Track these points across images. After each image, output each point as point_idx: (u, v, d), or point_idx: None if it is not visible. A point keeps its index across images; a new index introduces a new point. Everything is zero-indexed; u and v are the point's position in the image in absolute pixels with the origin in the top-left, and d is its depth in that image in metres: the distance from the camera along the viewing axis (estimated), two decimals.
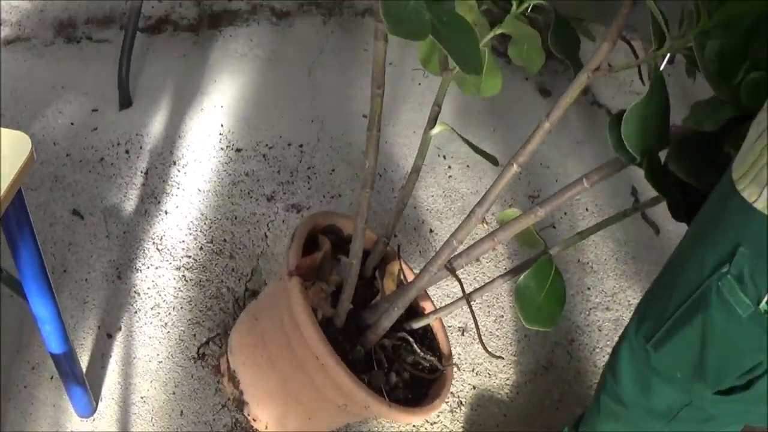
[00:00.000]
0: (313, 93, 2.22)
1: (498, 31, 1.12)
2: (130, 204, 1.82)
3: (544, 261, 1.24)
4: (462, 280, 1.31)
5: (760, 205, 0.81)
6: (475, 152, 1.17)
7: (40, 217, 1.74)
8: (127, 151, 1.94)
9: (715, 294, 0.90)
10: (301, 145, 2.04)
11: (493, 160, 1.20)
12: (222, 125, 2.06)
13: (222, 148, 1.99)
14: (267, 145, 2.02)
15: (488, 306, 1.83)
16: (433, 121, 1.21)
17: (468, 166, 2.13)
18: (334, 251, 1.40)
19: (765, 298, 0.84)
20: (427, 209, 2.00)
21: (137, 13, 2.04)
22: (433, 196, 2.03)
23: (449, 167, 2.11)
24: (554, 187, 2.09)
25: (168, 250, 1.74)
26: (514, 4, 1.12)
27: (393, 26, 0.81)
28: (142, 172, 1.90)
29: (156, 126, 2.02)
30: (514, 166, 1.11)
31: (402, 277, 1.43)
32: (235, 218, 1.84)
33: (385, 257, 1.45)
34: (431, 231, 1.95)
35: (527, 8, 1.12)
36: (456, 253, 1.25)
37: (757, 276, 0.85)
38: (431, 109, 1.21)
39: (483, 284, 1.32)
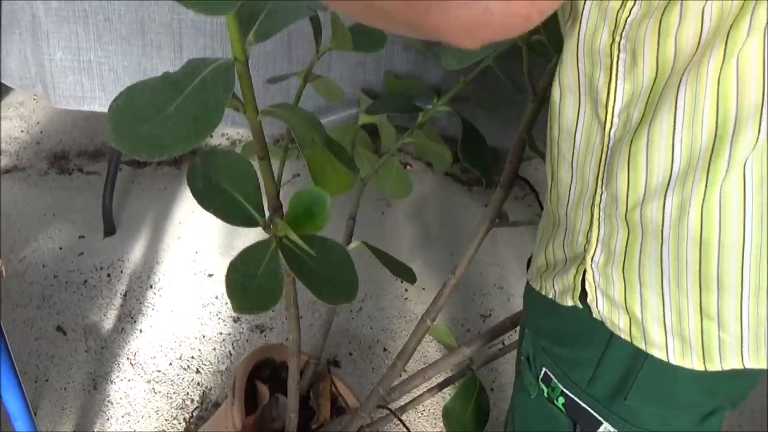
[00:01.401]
0: None
1: (405, 140, 1.36)
2: (108, 322, 2.09)
3: (468, 379, 1.45)
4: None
5: (534, 285, 0.93)
6: (389, 269, 1.26)
7: (27, 332, 2.01)
8: (108, 275, 2.23)
9: (519, 377, 0.99)
10: None
11: (410, 278, 1.30)
12: (197, 252, 2.35)
13: (195, 273, 2.28)
14: None
15: (435, 418, 2.08)
16: (348, 237, 1.40)
17: (424, 288, 2.40)
18: (272, 389, 1.57)
19: (541, 375, 0.93)
20: (382, 329, 2.26)
21: None
22: (388, 317, 2.30)
23: (405, 290, 2.39)
24: (506, 307, 2.36)
25: (141, 364, 2.00)
26: (420, 115, 1.35)
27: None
28: (121, 294, 2.18)
29: (136, 253, 2.32)
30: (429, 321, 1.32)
31: (339, 395, 1.61)
32: (203, 337, 2.10)
33: (320, 376, 1.64)
34: (385, 350, 2.21)
35: (430, 118, 1.36)
36: (393, 385, 1.40)
37: (537, 355, 0.93)
38: (346, 223, 1.41)
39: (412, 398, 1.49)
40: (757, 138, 0.67)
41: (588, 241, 0.81)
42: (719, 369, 0.76)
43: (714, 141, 0.69)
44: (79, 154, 2.73)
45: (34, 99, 2.95)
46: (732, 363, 0.76)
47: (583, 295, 0.82)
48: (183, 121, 0.82)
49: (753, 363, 0.76)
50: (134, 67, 1.84)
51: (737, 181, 0.69)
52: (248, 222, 1.00)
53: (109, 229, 2.36)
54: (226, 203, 1.00)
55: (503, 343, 1.43)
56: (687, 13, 0.63)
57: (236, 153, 1.03)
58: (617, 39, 0.70)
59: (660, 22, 0.66)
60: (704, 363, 0.76)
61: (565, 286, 0.85)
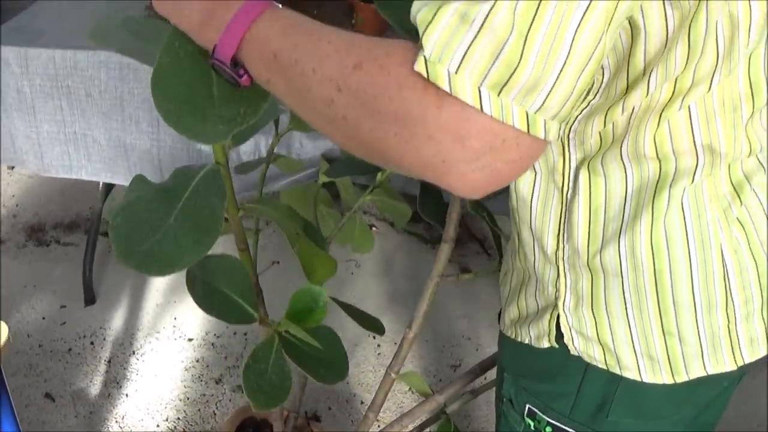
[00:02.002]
0: None
1: (365, 198, 1.48)
2: (95, 388, 2.19)
3: (444, 422, 1.56)
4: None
5: (509, 334, 1.04)
6: (358, 322, 1.39)
7: (16, 400, 2.10)
8: (92, 343, 2.33)
9: (502, 418, 1.09)
10: (245, 333, 2.44)
11: (378, 329, 1.42)
12: (175, 318, 2.47)
13: (175, 339, 2.39)
14: (215, 334, 2.42)
15: None
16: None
17: (395, 343, 2.53)
18: None
19: (526, 411, 1.02)
20: (359, 383, 2.38)
21: (98, 218, 2.48)
22: (363, 371, 2.42)
23: (378, 345, 2.52)
24: (475, 356, 2.48)
25: (129, 427, 2.10)
26: (379, 174, 1.48)
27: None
28: (105, 360, 2.28)
29: (117, 320, 2.43)
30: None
31: None
32: (188, 399, 2.21)
33: (300, 429, 1.75)
34: (362, 403, 2.33)
35: (389, 176, 1.48)
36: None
37: (519, 394, 1.03)
38: None
39: None
40: (693, 179, 0.82)
41: (557, 289, 0.93)
42: (686, 379, 0.89)
43: (657, 183, 0.82)
44: (55, 226, 2.84)
45: (8, 172, 3.07)
46: (696, 372, 0.89)
47: (559, 335, 0.93)
48: (184, 234, 0.88)
49: (714, 369, 0.89)
50: (115, 140, 1.97)
51: (677, 214, 0.83)
52: (246, 319, 1.09)
53: (90, 299, 2.47)
54: (225, 304, 1.08)
55: (474, 389, 1.56)
56: (627, 105, 0.78)
57: (230, 256, 1.12)
58: (567, 129, 0.84)
59: (606, 115, 0.80)
60: (672, 377, 0.89)
61: (540, 331, 0.96)
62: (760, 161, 0.87)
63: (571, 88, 0.63)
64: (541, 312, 0.97)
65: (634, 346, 0.89)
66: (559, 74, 0.62)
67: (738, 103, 0.80)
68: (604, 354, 0.91)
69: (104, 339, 2.36)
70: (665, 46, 0.72)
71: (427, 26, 0.62)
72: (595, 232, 0.87)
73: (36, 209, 2.90)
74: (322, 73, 0.70)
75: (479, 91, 0.62)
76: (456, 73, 0.61)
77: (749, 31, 0.74)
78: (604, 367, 0.91)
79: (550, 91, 0.62)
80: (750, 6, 0.72)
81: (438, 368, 2.48)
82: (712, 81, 0.77)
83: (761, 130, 0.85)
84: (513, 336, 1.03)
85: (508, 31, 0.60)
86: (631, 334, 0.89)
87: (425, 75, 0.62)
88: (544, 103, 0.62)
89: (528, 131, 0.63)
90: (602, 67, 0.75)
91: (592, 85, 0.75)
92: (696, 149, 0.80)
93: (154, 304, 2.52)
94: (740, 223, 0.86)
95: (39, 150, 2.00)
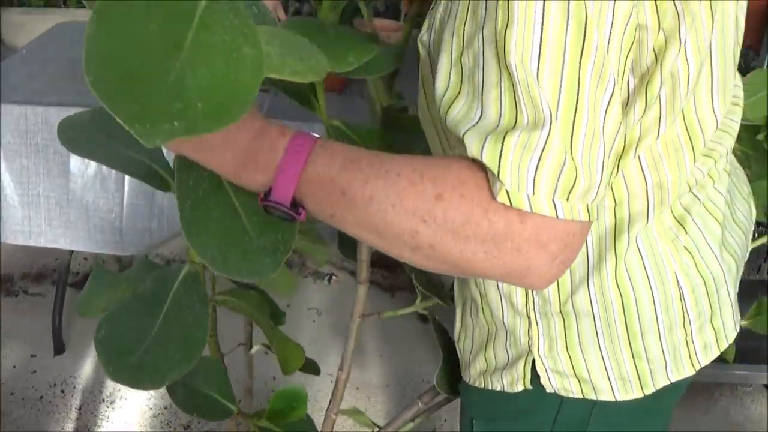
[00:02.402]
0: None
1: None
2: None
3: None
4: None
5: (478, 384, 1.09)
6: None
7: None
8: (62, 391, 2.42)
9: None
10: None
11: (314, 371, 1.49)
12: None
13: None
14: None
15: None
16: (248, 341, 1.59)
17: (357, 388, 2.63)
18: None
19: None
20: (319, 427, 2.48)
21: (66, 269, 2.57)
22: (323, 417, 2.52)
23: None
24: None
25: None
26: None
27: None
28: (76, 408, 2.37)
29: (86, 369, 2.52)
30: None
31: None
32: None
33: None
34: None
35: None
36: None
37: None
38: (245, 328, 1.61)
39: None
40: (647, 220, 0.94)
41: (530, 338, 1.01)
42: (653, 390, 1.01)
43: (615, 229, 0.94)
44: (23, 277, 2.93)
45: None
46: (662, 382, 1.00)
47: (534, 376, 1.01)
48: (171, 343, 0.87)
49: (676, 377, 1.01)
50: (77, 200, 2.00)
51: (635, 252, 0.95)
52: (225, 414, 1.11)
53: (59, 348, 2.56)
54: (205, 403, 1.09)
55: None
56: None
57: (208, 358, 1.14)
58: None
59: None
60: (642, 391, 1.01)
61: (514, 377, 1.03)
62: (694, 194, 0.99)
63: (608, 176, 0.75)
64: (513, 360, 1.04)
65: (607, 373, 0.99)
66: (602, 169, 0.73)
67: (679, 145, 0.92)
68: (580, 385, 1.00)
69: (74, 387, 2.45)
70: (625, 107, 0.85)
71: (499, 162, 0.71)
72: (564, 282, 0.97)
73: (3, 260, 2.98)
74: (404, 207, 0.74)
75: (554, 203, 0.71)
76: (533, 194, 0.70)
77: (687, 84, 0.86)
78: (580, 396, 1.00)
79: (599, 184, 0.73)
80: (687, 62, 0.84)
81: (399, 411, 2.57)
82: (659, 130, 0.88)
83: (696, 169, 0.97)
84: (482, 386, 1.09)
85: (563, 150, 0.70)
86: (604, 363, 0.99)
87: (509, 203, 0.70)
88: (597, 194, 0.73)
89: (589, 218, 0.74)
90: None
91: None
92: (647, 191, 0.93)
93: None
94: (687, 250, 0.98)
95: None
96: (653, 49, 0.82)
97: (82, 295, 1.18)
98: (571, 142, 0.71)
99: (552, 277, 0.76)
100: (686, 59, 0.85)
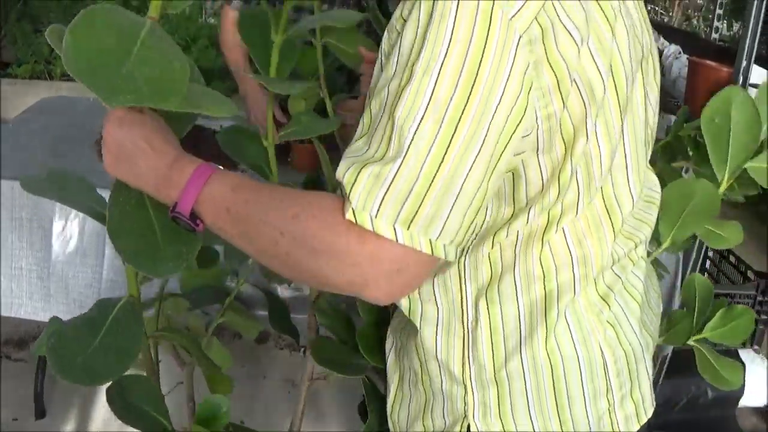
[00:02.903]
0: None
1: (218, 320, 1.74)
2: None
3: None
4: None
5: None
6: None
7: None
8: None
9: None
10: None
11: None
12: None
13: None
14: None
15: None
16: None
17: None
18: None
19: None
20: None
21: None
22: None
23: None
24: None
25: None
26: (227, 298, 1.74)
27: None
28: None
29: None
30: None
31: None
32: None
33: None
34: None
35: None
36: None
37: None
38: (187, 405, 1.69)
39: None
40: (574, 292, 1.04)
41: (466, 404, 1.08)
42: None
43: (545, 301, 1.03)
44: (6, 343, 3.04)
45: None
46: None
47: None
48: (108, 354, 1.10)
49: None
50: (58, 274, 2.11)
51: (563, 324, 1.04)
52: (157, 427, 1.28)
53: (41, 412, 2.66)
54: (142, 417, 1.27)
55: None
56: (511, 229, 1.02)
57: (143, 377, 1.33)
58: (462, 259, 1.06)
59: (493, 237, 1.03)
60: None
61: None
62: (616, 273, 1.09)
63: (460, 222, 0.88)
64: (450, 426, 1.11)
65: None
66: (450, 213, 0.87)
67: (599, 222, 1.04)
68: None
69: None
70: (542, 189, 0.98)
71: (352, 185, 0.87)
72: (498, 351, 1.05)
73: None
74: (269, 223, 0.94)
75: (394, 228, 0.86)
76: (376, 216, 0.86)
77: (600, 166, 0.99)
78: None
79: (445, 224, 0.87)
80: (599, 148, 0.98)
81: None
82: (577, 208, 1.01)
83: (618, 246, 1.08)
84: None
85: (409, 185, 0.85)
86: (533, 428, 1.07)
87: (354, 220, 0.87)
88: (441, 232, 0.88)
89: (432, 253, 0.88)
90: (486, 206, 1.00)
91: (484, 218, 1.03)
92: (573, 264, 1.03)
93: (102, 417, 2.71)
94: (611, 324, 1.08)
95: None
96: (563, 139, 0.95)
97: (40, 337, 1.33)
98: (427, 183, 0.86)
99: (390, 296, 0.91)
100: (598, 146, 0.98)
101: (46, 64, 5.47)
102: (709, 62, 2.41)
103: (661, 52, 2.93)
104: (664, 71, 2.90)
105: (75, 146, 2.38)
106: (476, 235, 1.03)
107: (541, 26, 0.88)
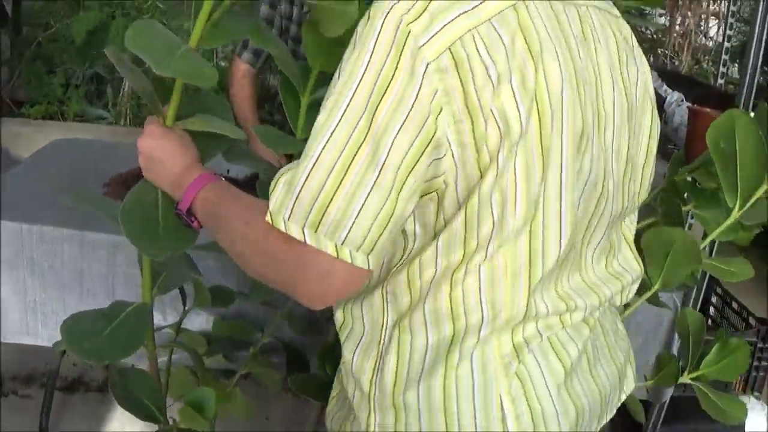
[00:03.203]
0: None
1: (242, 371, 1.81)
2: None
3: None
4: None
5: None
6: None
7: None
8: None
9: None
10: None
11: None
12: None
13: None
14: None
15: None
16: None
17: None
18: None
19: None
20: None
21: (55, 374, 2.72)
22: None
23: None
24: None
25: None
26: (251, 348, 1.83)
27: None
28: None
29: None
30: None
31: None
32: None
33: None
34: None
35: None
36: None
37: None
38: None
39: None
40: (479, 337, 1.04)
41: (368, 425, 1.13)
42: None
43: (451, 340, 1.05)
44: (13, 378, 3.08)
45: None
46: None
47: None
48: (114, 342, 1.33)
49: None
50: (71, 311, 2.14)
51: (467, 365, 1.05)
52: (153, 419, 1.47)
53: None
54: (136, 405, 1.46)
55: None
56: (428, 258, 1.05)
57: (146, 372, 1.54)
58: (386, 284, 1.11)
59: (414, 265, 1.07)
60: None
61: None
62: (538, 328, 1.08)
63: (365, 231, 0.96)
64: None
65: None
66: (354, 221, 0.95)
67: (518, 271, 1.03)
68: None
69: None
70: (453, 219, 1.01)
71: (271, 192, 1.01)
72: (401, 378, 1.08)
73: None
74: (231, 227, 1.12)
75: (303, 231, 0.97)
76: (288, 219, 0.98)
77: (515, 207, 0.99)
78: None
79: (350, 230, 0.96)
80: (516, 185, 0.98)
81: None
82: (488, 248, 1.01)
83: (540, 302, 1.07)
84: None
85: (317, 192, 0.96)
86: None
87: (271, 223, 1.00)
88: (346, 237, 0.96)
89: (338, 257, 0.97)
90: (405, 232, 1.07)
91: (405, 245, 1.08)
92: (482, 308, 1.04)
93: None
94: (519, 377, 1.06)
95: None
96: (479, 169, 0.98)
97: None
98: (332, 190, 0.96)
99: (320, 299, 1.02)
100: (515, 185, 0.98)
101: (59, 104, 5.56)
102: (708, 110, 2.45)
103: (663, 100, 2.96)
104: (666, 119, 2.93)
105: (85, 188, 2.43)
106: (404, 258, 1.09)
107: (454, 57, 0.94)
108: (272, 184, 1.02)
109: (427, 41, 0.94)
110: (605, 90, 1.11)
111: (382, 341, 1.12)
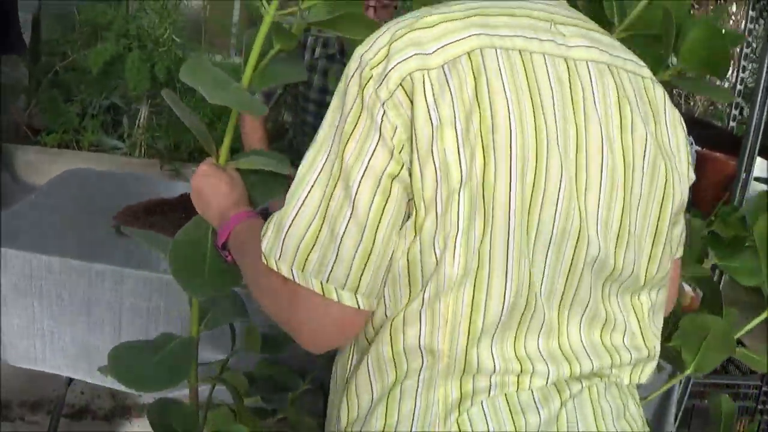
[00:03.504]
0: None
1: (279, 415, 1.86)
2: None
3: None
4: None
5: None
6: None
7: None
8: None
9: None
10: None
11: None
12: None
13: None
14: None
15: None
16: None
17: None
18: None
19: None
20: None
21: (62, 401, 2.76)
22: None
23: None
24: None
25: None
26: (291, 394, 1.87)
27: None
28: None
29: None
30: None
31: None
32: None
33: None
34: None
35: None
36: None
37: None
38: None
39: None
40: (419, 378, 1.03)
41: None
42: None
43: (395, 379, 1.04)
44: (21, 405, 3.12)
45: None
46: None
47: None
48: (161, 372, 1.40)
49: None
50: (79, 340, 2.21)
51: (409, 405, 1.03)
52: None
53: None
54: None
55: None
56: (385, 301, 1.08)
57: (186, 403, 1.59)
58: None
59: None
60: None
61: None
62: (491, 384, 1.04)
63: (347, 269, 1.01)
64: None
65: None
66: (335, 260, 1.00)
67: (458, 321, 1.01)
68: None
69: None
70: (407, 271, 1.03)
71: (263, 234, 1.07)
72: (352, 408, 1.10)
73: (3, 387, 3.16)
74: (249, 263, 1.20)
75: (292, 271, 1.03)
76: (279, 259, 1.04)
77: (454, 254, 0.98)
78: None
79: (332, 269, 1.01)
80: (457, 232, 0.98)
81: None
82: (427, 294, 1.01)
83: (488, 358, 1.03)
84: None
85: (302, 233, 1.02)
86: None
87: (265, 262, 1.06)
88: (329, 275, 1.01)
89: (324, 295, 1.02)
90: None
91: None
92: (421, 353, 1.03)
93: None
94: (458, 425, 1.02)
95: (6, 341, 2.23)
96: (425, 207, 0.99)
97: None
98: (315, 231, 1.02)
99: (312, 341, 1.08)
100: (457, 232, 0.98)
101: (75, 133, 5.63)
102: (717, 154, 2.47)
103: None
104: None
105: (95, 218, 2.48)
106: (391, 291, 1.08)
107: (406, 91, 0.99)
108: (264, 226, 1.08)
109: (383, 81, 0.99)
110: (591, 149, 1.07)
111: (347, 377, 1.14)
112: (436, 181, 0.97)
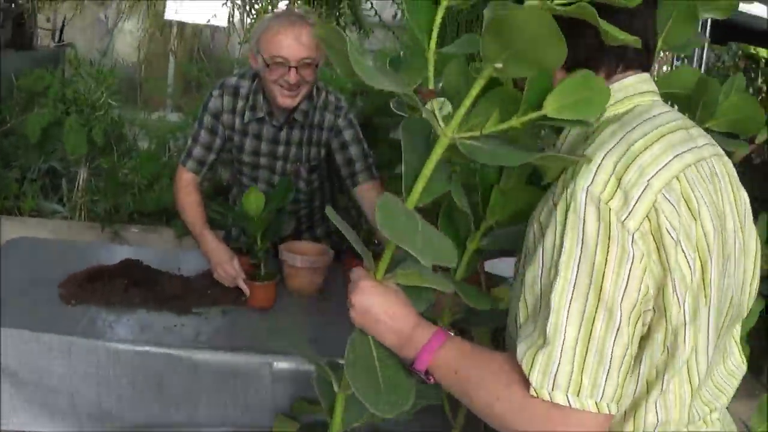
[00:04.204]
0: None
1: None
2: None
3: None
4: None
5: None
6: None
7: None
8: None
9: None
10: None
11: None
12: None
13: None
14: None
15: None
16: None
17: None
18: None
19: None
20: None
21: None
22: None
23: None
24: None
25: None
26: None
27: None
28: None
29: None
30: None
31: None
32: None
33: None
34: None
35: None
36: None
37: None
38: None
39: None
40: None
41: None
42: None
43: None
44: None
45: None
46: None
47: None
48: (393, 395, 1.36)
49: None
50: (37, 405, 2.25)
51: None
52: None
53: None
54: None
55: None
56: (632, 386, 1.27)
57: None
58: None
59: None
60: None
61: None
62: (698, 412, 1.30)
63: (616, 382, 1.15)
64: None
65: None
66: (607, 377, 1.14)
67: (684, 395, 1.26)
68: None
69: None
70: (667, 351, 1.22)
71: (530, 369, 1.17)
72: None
73: None
74: (485, 391, 1.24)
75: (567, 397, 1.14)
76: (552, 390, 1.15)
77: (684, 337, 1.21)
78: None
79: (604, 386, 1.14)
80: (685, 318, 1.21)
81: None
82: (664, 377, 1.23)
83: (693, 409, 1.28)
84: None
85: (572, 361, 1.14)
86: None
87: (536, 396, 1.16)
88: (603, 393, 1.15)
89: (599, 412, 1.15)
90: None
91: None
92: (657, 421, 1.26)
93: None
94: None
95: None
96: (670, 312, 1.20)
97: None
98: (582, 356, 1.14)
99: None
100: (684, 318, 1.20)
101: (15, 199, 5.64)
102: None
103: None
104: None
105: (40, 288, 2.53)
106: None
107: (650, 222, 1.16)
108: (524, 361, 1.18)
109: (628, 215, 1.15)
110: (728, 224, 1.30)
111: None
112: (675, 282, 1.18)
